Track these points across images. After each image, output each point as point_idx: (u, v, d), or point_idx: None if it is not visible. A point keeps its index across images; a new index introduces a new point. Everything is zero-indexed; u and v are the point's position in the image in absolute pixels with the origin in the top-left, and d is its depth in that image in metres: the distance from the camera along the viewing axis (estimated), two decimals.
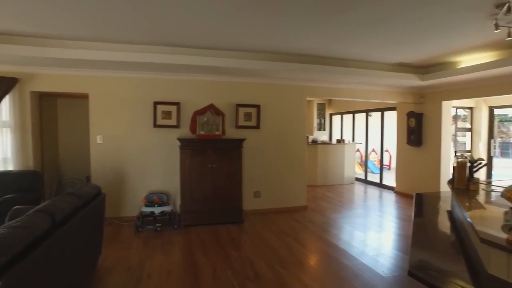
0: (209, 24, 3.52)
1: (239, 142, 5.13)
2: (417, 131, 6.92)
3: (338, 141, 9.27)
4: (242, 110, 5.56)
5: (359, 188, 8.49)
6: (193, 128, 5.17)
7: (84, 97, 5.17)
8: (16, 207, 3.31)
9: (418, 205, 3.24)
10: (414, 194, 3.50)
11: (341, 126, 10.29)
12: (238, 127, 5.55)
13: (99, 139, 5.05)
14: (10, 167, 4.72)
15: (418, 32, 3.69)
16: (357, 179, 9.28)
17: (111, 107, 5.09)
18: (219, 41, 4.13)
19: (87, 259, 3.04)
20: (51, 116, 5.80)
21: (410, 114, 7.04)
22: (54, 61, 4.35)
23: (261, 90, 5.71)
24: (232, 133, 5.51)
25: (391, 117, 8.11)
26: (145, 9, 3.08)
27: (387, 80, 5.66)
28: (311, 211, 5.95)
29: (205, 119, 5.18)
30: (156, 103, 5.16)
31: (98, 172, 5.07)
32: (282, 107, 5.87)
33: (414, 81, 5.67)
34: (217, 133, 5.20)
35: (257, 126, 5.66)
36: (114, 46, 4.19)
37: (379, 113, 8.37)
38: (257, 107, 5.64)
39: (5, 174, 4.41)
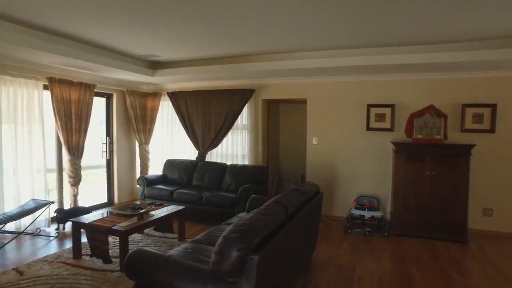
0: (427, 15, 3.15)
1: (466, 149, 4.38)
2: None
3: None
4: (470, 111, 4.71)
5: None
6: (409, 132, 4.81)
7: (302, 102, 5.74)
8: (253, 196, 4.02)
9: None
10: None
11: None
12: (464, 130, 4.75)
13: (314, 141, 5.48)
14: (246, 162, 5.85)
15: None
16: None
17: (326, 110, 5.41)
18: (443, 33, 3.61)
19: (306, 251, 3.33)
20: (274, 120, 6.74)
21: None
22: (279, 72, 5.02)
23: (498, 84, 4.65)
24: (456, 137, 4.78)
25: None
26: (358, 16, 3.08)
27: None
28: None
29: (423, 122, 4.71)
30: (369, 106, 5.12)
31: (312, 171, 5.51)
32: None
33: None
34: (437, 137, 4.63)
35: (491, 130, 4.66)
36: (328, 53, 4.41)
37: None
38: (492, 106, 4.64)
39: (244, 167, 5.46)
